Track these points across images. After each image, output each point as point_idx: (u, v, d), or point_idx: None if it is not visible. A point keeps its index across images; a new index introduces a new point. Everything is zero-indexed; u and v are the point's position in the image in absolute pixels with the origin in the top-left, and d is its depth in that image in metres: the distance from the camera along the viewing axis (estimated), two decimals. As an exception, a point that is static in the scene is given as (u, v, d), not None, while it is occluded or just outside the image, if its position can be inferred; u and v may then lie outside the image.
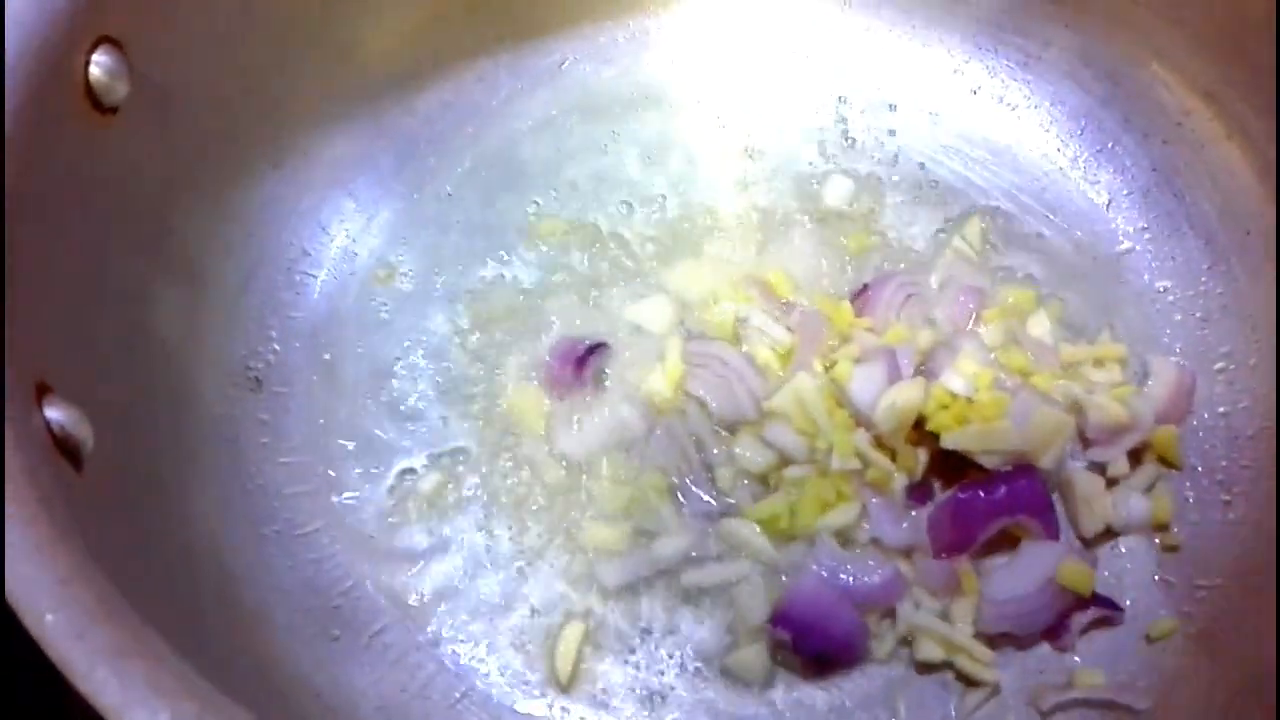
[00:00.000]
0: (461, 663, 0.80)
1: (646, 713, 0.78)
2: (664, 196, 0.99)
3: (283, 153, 0.94)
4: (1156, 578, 0.82)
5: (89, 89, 0.73)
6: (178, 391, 0.82)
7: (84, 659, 0.48)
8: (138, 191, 0.80)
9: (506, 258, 0.96)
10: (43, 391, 0.62)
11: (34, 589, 0.51)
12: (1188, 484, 0.86)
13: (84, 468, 0.63)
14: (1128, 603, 0.81)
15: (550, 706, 0.79)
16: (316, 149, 0.96)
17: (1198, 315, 0.92)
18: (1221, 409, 0.88)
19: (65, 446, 0.61)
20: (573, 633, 0.81)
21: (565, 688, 0.79)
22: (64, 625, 0.49)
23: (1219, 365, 0.89)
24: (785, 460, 0.85)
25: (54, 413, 0.61)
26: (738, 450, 0.86)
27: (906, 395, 0.83)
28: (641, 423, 0.88)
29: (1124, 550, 0.84)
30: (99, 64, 0.73)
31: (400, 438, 0.88)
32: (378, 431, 0.88)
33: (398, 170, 1.00)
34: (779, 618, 0.78)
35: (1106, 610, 0.80)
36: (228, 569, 0.77)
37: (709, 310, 0.93)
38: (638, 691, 0.79)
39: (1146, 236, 0.96)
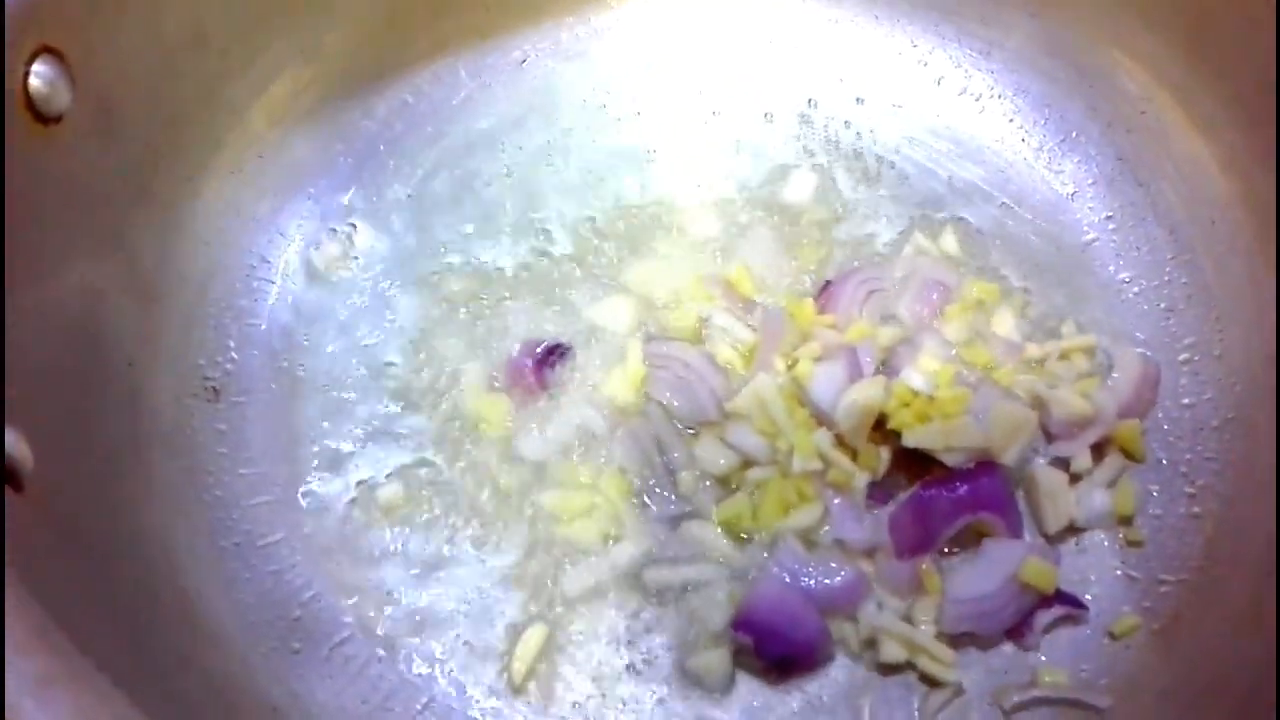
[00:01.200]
0: (423, 673, 0.79)
1: (607, 713, 0.78)
2: (626, 195, 0.98)
3: (238, 158, 0.93)
4: (1120, 573, 0.82)
5: (29, 99, 0.72)
6: (132, 404, 0.81)
7: (11, 690, 0.47)
8: (87, 201, 0.79)
9: (467, 259, 0.95)
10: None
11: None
12: (1152, 477, 0.85)
13: (25, 488, 0.62)
14: (1089, 598, 0.81)
15: (514, 712, 0.78)
16: (274, 153, 0.95)
17: (1162, 306, 0.91)
18: (1186, 400, 0.87)
19: (3, 468, 0.61)
20: (534, 635, 0.80)
21: (519, 689, 0.78)
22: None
23: (1183, 356, 0.89)
24: (747, 462, 0.84)
25: (-7, 435, 0.60)
26: (699, 452, 0.85)
27: (867, 394, 0.82)
28: (603, 424, 0.88)
29: (1087, 546, 0.83)
30: (39, 74, 0.72)
31: (361, 445, 0.87)
32: (338, 440, 0.88)
33: (357, 173, 0.99)
34: (741, 622, 0.77)
35: (1070, 608, 0.79)
36: (184, 583, 0.76)
37: (671, 310, 0.92)
38: (599, 695, 0.78)
39: (1111, 227, 0.95)
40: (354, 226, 0.96)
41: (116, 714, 0.48)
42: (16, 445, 0.62)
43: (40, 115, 0.73)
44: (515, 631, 0.80)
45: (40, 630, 0.51)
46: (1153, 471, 0.85)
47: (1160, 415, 0.87)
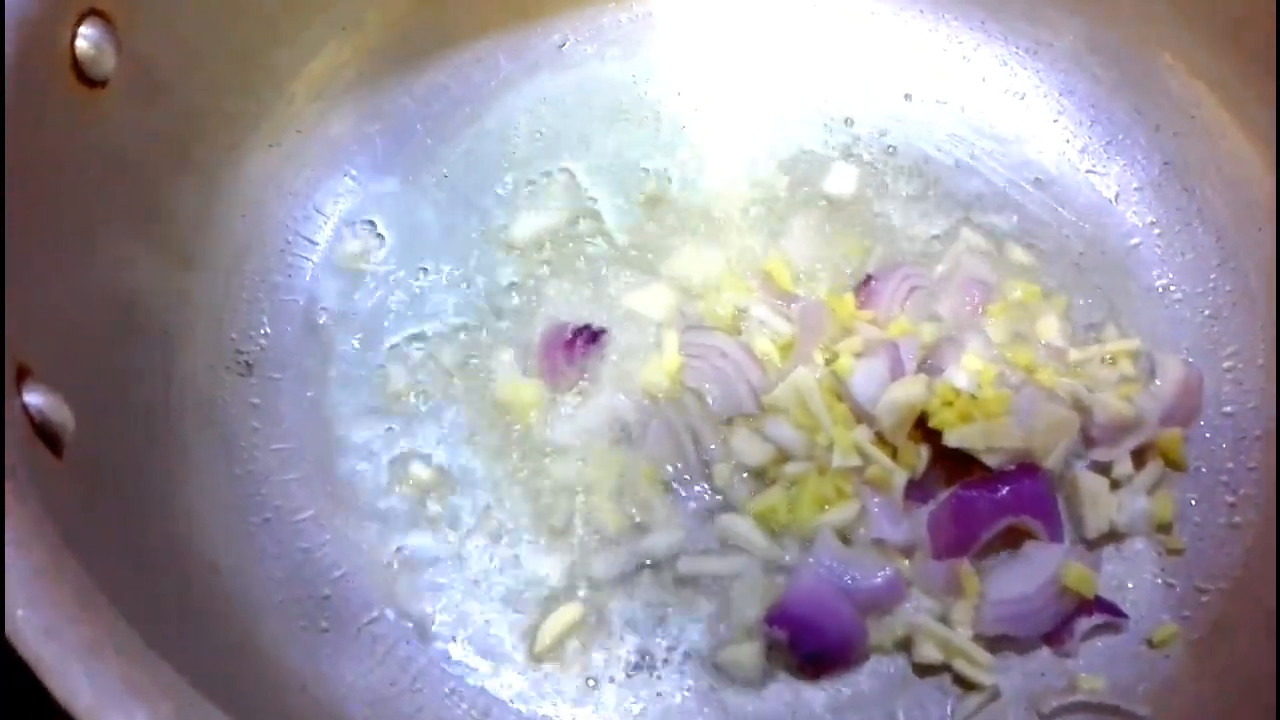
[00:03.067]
0: (453, 656, 0.78)
1: (636, 704, 0.77)
2: (665, 182, 0.97)
3: (278, 132, 0.92)
4: (1159, 581, 0.81)
5: (75, 62, 0.71)
6: (166, 375, 0.80)
7: (56, 658, 0.46)
8: (127, 168, 0.78)
9: (502, 242, 0.94)
10: (22, 375, 0.60)
11: (5, 583, 0.49)
12: (1192, 485, 0.84)
13: (64, 454, 0.61)
14: (1127, 605, 0.80)
15: (541, 698, 0.77)
16: (312, 129, 0.94)
17: (1206, 313, 0.90)
18: (1228, 409, 0.86)
19: (44, 432, 0.60)
20: (568, 611, 0.79)
21: (539, 657, 0.78)
22: (36, 622, 0.47)
23: (1227, 364, 0.88)
24: (784, 455, 0.83)
25: (33, 397, 0.59)
26: (735, 444, 0.84)
27: (909, 391, 0.81)
28: (636, 413, 0.87)
29: (1127, 553, 0.82)
30: (86, 36, 0.71)
31: (394, 423, 0.86)
32: (372, 417, 0.87)
33: (394, 151, 0.98)
34: (776, 615, 0.76)
35: (1110, 616, 0.78)
36: (214, 558, 0.75)
37: (709, 300, 0.91)
38: (627, 682, 0.77)
39: (1156, 231, 0.94)
40: (390, 205, 0.95)
41: (163, 684, 0.47)
42: (59, 410, 0.61)
43: (85, 78, 0.72)
44: (546, 615, 0.79)
45: (83, 597, 0.50)
46: (1193, 479, 0.84)
47: (1202, 423, 0.86)
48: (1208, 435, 0.86)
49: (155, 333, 0.80)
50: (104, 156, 0.75)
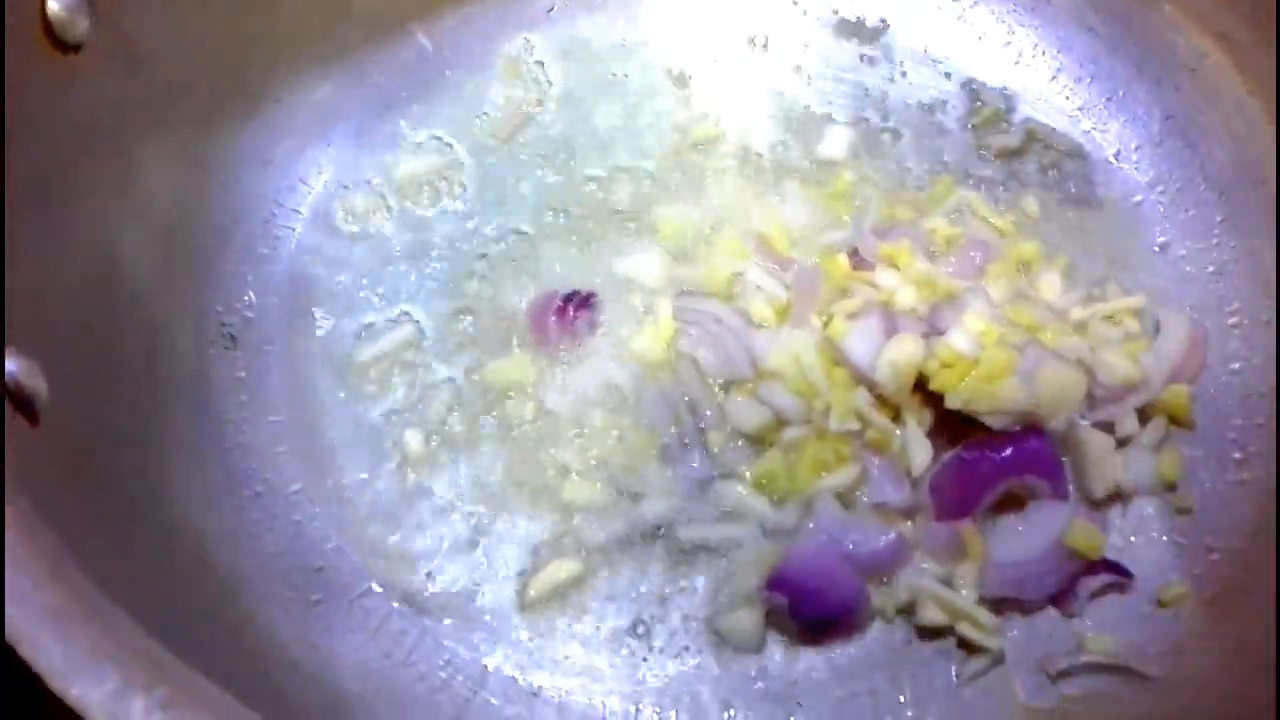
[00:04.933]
0: (447, 628, 0.77)
1: (634, 672, 0.75)
2: (657, 148, 0.95)
3: (259, 101, 0.90)
4: (1167, 540, 0.79)
5: (48, 24, 0.69)
6: (149, 346, 0.78)
7: (25, 621, 0.44)
8: (106, 135, 0.76)
9: (492, 209, 0.92)
10: (-1, 342, 0.58)
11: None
12: (1198, 443, 0.82)
13: (40, 421, 0.59)
14: (1136, 565, 0.78)
15: (538, 667, 0.76)
16: (294, 98, 0.92)
17: (1210, 269, 0.88)
18: (1234, 365, 0.85)
19: (18, 398, 0.58)
20: (561, 567, 0.78)
21: (527, 607, 0.77)
22: (4, 586, 0.45)
23: (1232, 321, 0.86)
24: (781, 421, 0.82)
25: (8, 364, 0.58)
26: (731, 410, 0.83)
27: (905, 352, 0.80)
28: (630, 380, 0.85)
29: (1134, 512, 0.80)
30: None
31: (384, 394, 0.85)
32: (360, 389, 0.85)
33: (378, 121, 0.96)
34: (776, 581, 0.75)
35: (1117, 576, 0.76)
36: (202, 531, 0.74)
37: (703, 265, 0.89)
38: (625, 650, 0.76)
39: (1159, 189, 0.92)
40: (375, 174, 0.93)
41: (136, 649, 0.46)
42: (33, 377, 0.59)
43: (60, 42, 0.71)
44: (541, 585, 0.78)
45: (54, 562, 0.48)
46: (1200, 437, 0.83)
47: (1207, 380, 0.85)
48: (1213, 392, 0.84)
49: (137, 304, 0.78)
50: (82, 122, 0.73)
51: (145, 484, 0.71)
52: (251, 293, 0.87)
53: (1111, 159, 0.94)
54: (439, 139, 0.95)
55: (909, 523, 0.79)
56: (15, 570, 0.46)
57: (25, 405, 0.58)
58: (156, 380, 0.78)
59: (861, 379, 0.81)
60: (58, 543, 0.49)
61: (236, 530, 0.76)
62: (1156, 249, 0.90)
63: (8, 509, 0.48)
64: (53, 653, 0.43)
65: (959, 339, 0.80)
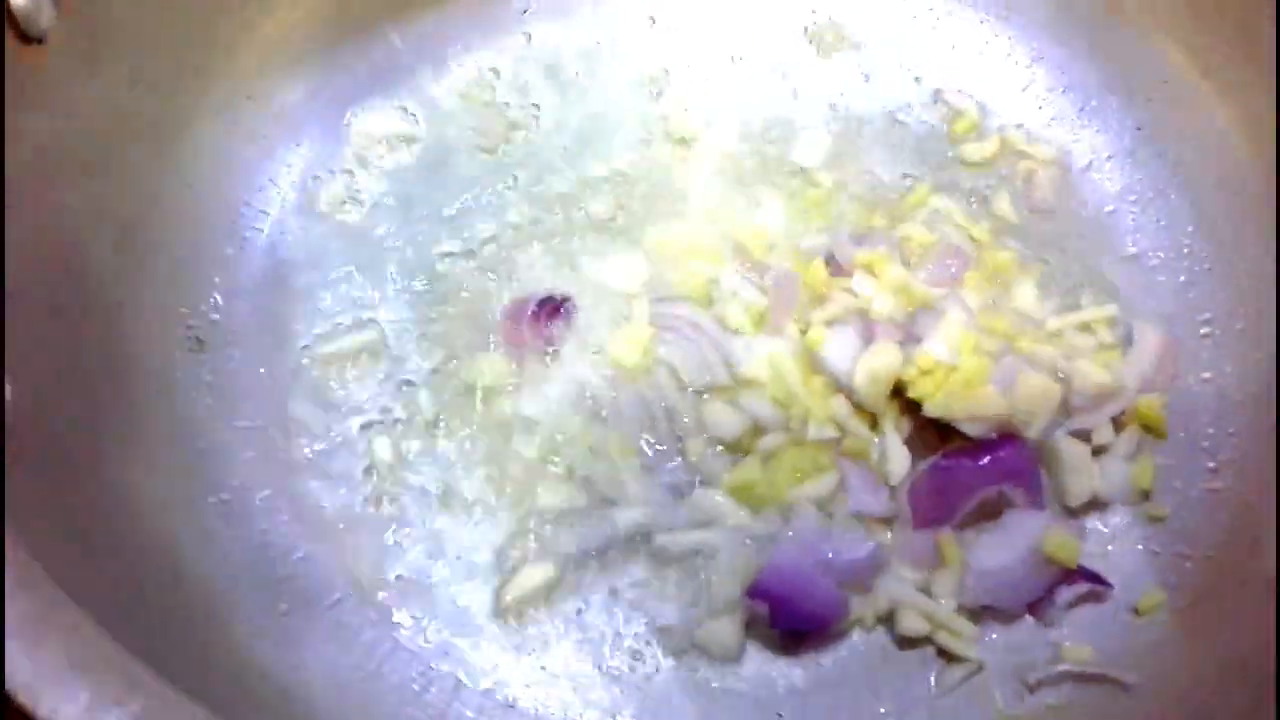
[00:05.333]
0: (420, 639, 0.75)
1: (612, 684, 0.74)
2: (633, 152, 0.94)
3: (227, 99, 0.88)
4: (1142, 549, 0.79)
5: (11, 17, 0.67)
6: (112, 348, 0.76)
7: (-5, 632, 0.42)
8: (70, 131, 0.74)
9: (464, 212, 0.91)
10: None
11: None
12: (1171, 452, 0.83)
13: (3, 421, 0.57)
14: (1112, 574, 0.78)
15: (514, 679, 0.74)
16: (264, 96, 0.90)
17: (1182, 279, 0.89)
18: (1206, 374, 0.85)
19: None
20: (536, 571, 0.77)
21: (503, 612, 0.76)
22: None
23: (1204, 330, 0.87)
24: (759, 428, 0.81)
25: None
26: (709, 418, 0.82)
27: (883, 360, 0.79)
28: (606, 386, 0.84)
29: (1109, 521, 0.81)
30: (18, -10, 0.67)
31: (354, 400, 0.83)
32: (330, 394, 0.83)
33: (350, 120, 0.94)
34: (756, 589, 0.74)
35: (1094, 584, 0.77)
36: (168, 539, 0.71)
37: (679, 270, 0.88)
38: (602, 661, 0.75)
39: (1130, 198, 0.93)
40: (346, 175, 0.92)
41: (109, 661, 0.44)
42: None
43: (23, 35, 0.69)
44: (516, 593, 0.76)
45: (21, 569, 0.46)
46: (1173, 446, 0.83)
47: (1179, 389, 0.85)
48: (1186, 402, 0.84)
49: (100, 303, 0.76)
50: (48, 116, 0.72)
51: (109, 490, 0.69)
52: (218, 295, 0.85)
53: (1084, 169, 0.95)
54: (412, 140, 0.93)
55: (887, 531, 0.79)
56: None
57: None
58: (119, 383, 0.76)
59: (839, 387, 0.81)
60: (23, 550, 0.47)
61: (203, 538, 0.74)
62: (1128, 258, 0.91)
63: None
64: (19, 666, 0.41)
65: (937, 347, 0.80)
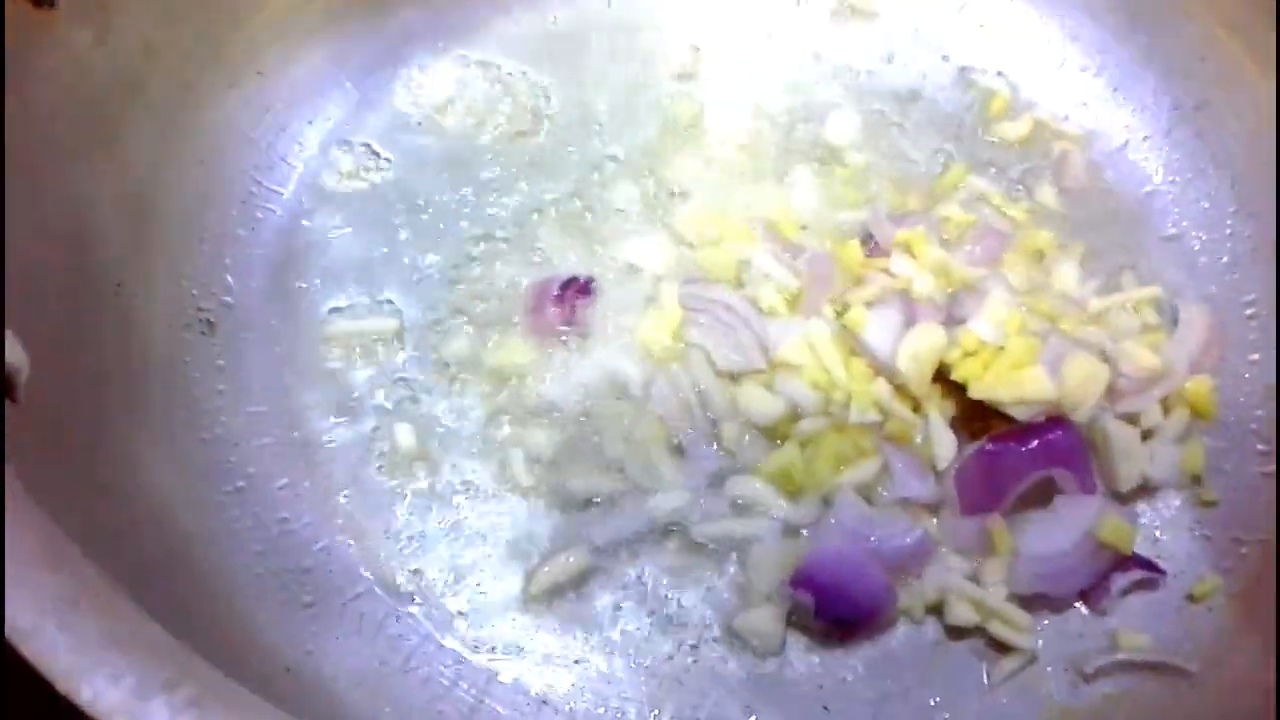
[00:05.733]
0: (446, 632, 0.71)
1: (650, 678, 0.71)
2: (662, 129, 0.91)
3: (239, 72, 0.85)
4: (1195, 534, 0.77)
5: (22, -24, 0.64)
6: (124, 332, 0.73)
7: (27, 611, 0.39)
8: (81, 102, 0.71)
9: (484, 191, 0.87)
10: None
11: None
12: (1220, 435, 0.80)
13: (18, 397, 0.53)
14: (1163, 560, 0.75)
15: (547, 671, 0.71)
16: (277, 69, 0.87)
17: (1225, 260, 0.87)
18: (1253, 356, 0.83)
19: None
20: (569, 560, 0.74)
21: (535, 598, 0.72)
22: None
23: (1249, 312, 0.85)
24: (796, 413, 0.78)
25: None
26: (744, 402, 0.79)
27: (928, 341, 0.77)
28: (636, 370, 0.81)
29: (1158, 507, 0.78)
30: (27, -48, 0.64)
31: (372, 385, 0.79)
32: (348, 379, 0.80)
33: (363, 97, 0.91)
34: (800, 579, 0.71)
35: (1148, 572, 0.74)
36: (183, 528, 0.68)
37: (709, 251, 0.85)
38: (639, 655, 0.71)
39: (1170, 179, 0.90)
40: (361, 151, 0.88)
41: (151, 641, 0.40)
42: (12, 349, 0.53)
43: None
44: (547, 584, 0.73)
45: (52, 548, 0.43)
46: (1222, 430, 0.80)
47: (1226, 372, 0.82)
48: (1233, 384, 0.82)
49: (109, 282, 0.73)
50: (58, 86, 0.69)
51: (122, 476, 0.66)
52: (230, 276, 0.82)
53: (1119, 149, 0.92)
54: (430, 118, 0.90)
55: (933, 518, 0.76)
56: (12, 558, 0.40)
57: (6, 380, 0.52)
58: (132, 367, 0.72)
59: (881, 369, 0.78)
60: (53, 525, 0.43)
61: (220, 527, 0.70)
62: (1168, 239, 0.89)
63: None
64: (59, 648, 0.38)
65: (983, 327, 0.78)
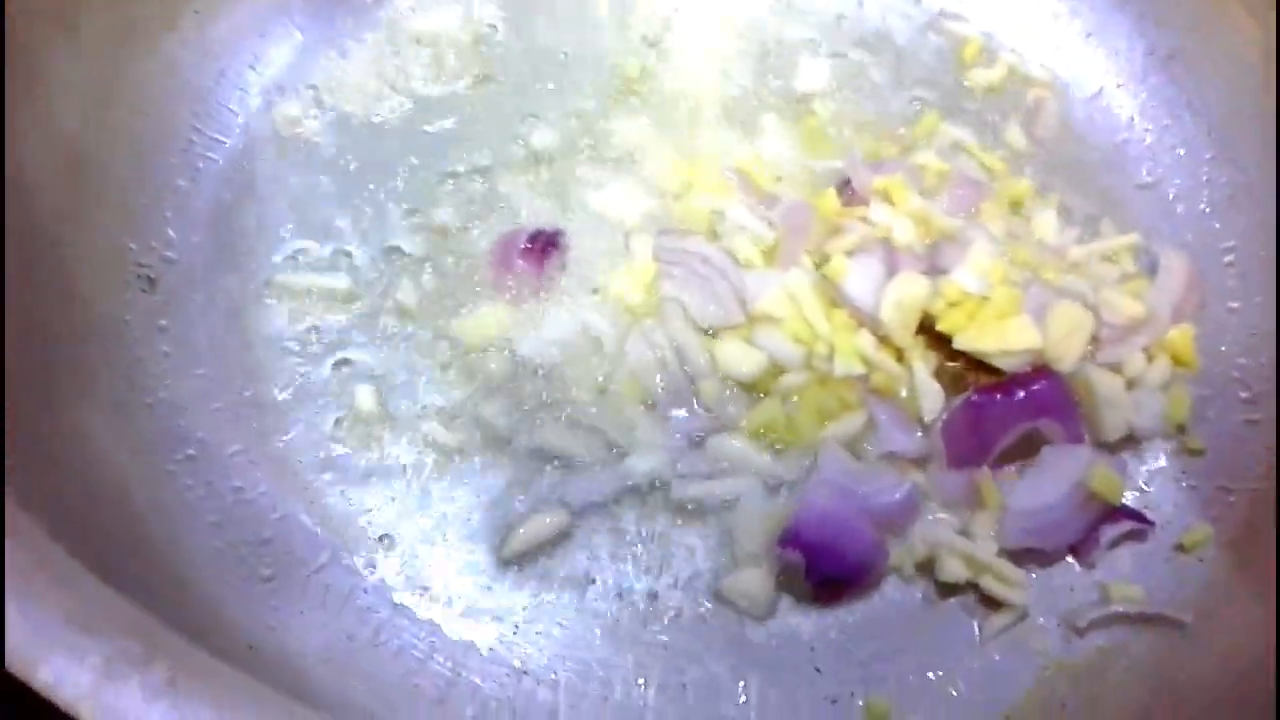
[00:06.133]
0: (416, 603, 0.67)
1: (633, 646, 0.68)
2: (631, 77, 0.87)
3: (173, 11, 0.79)
4: (1182, 484, 0.76)
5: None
6: (61, 289, 0.67)
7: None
8: (12, 42, 0.65)
9: (442, 137, 0.83)
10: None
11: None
12: (1204, 384, 0.79)
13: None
14: (1151, 511, 0.74)
15: (523, 641, 0.67)
16: (211, 10, 0.81)
17: (1202, 207, 0.86)
18: (1233, 304, 0.82)
19: None
20: (544, 520, 0.70)
21: (507, 561, 0.69)
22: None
23: (1228, 259, 0.83)
24: (778, 367, 0.75)
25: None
26: (722, 357, 0.76)
27: (911, 290, 0.74)
28: (609, 325, 0.77)
29: (1144, 457, 0.77)
30: None
31: (327, 343, 0.75)
32: (301, 337, 0.75)
33: (307, 36, 0.85)
34: (789, 537, 0.68)
35: (1137, 523, 0.72)
36: (132, 498, 0.63)
37: (682, 201, 0.82)
38: (621, 621, 0.68)
39: (1145, 125, 0.89)
40: (309, 94, 0.83)
41: (117, 612, 0.36)
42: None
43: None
44: (520, 547, 0.69)
45: (12, 520, 0.38)
46: (1204, 378, 0.79)
47: (1207, 320, 0.81)
48: (1213, 332, 0.81)
49: (43, 239, 0.67)
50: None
51: (73, 446, 0.61)
52: (171, 230, 0.76)
53: (1093, 96, 0.91)
54: (382, 61, 0.85)
55: (920, 473, 0.73)
56: None
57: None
58: (71, 324, 0.67)
59: (863, 320, 0.75)
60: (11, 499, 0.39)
61: (173, 498, 0.66)
62: (1145, 187, 0.87)
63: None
64: (15, 626, 0.33)
65: (966, 277, 0.76)
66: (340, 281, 0.77)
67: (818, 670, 0.68)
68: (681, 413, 0.75)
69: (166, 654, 0.36)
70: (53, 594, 0.35)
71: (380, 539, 0.69)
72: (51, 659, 0.33)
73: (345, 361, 0.74)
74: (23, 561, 0.36)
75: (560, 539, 0.70)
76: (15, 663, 0.32)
